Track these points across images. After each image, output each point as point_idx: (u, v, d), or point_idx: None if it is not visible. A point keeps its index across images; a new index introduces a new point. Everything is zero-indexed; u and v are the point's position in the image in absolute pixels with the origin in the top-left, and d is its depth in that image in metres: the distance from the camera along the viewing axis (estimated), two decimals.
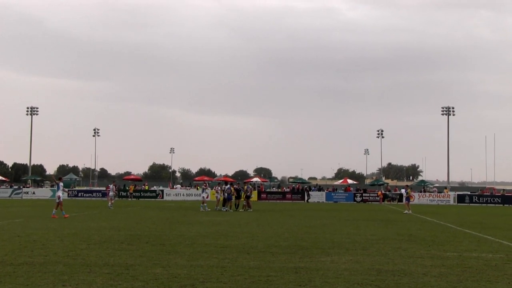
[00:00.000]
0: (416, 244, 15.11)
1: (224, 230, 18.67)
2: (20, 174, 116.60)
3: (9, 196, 57.52)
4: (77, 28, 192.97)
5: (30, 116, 77.06)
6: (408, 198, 35.67)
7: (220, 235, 16.79)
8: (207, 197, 33.24)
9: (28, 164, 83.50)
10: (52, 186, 62.98)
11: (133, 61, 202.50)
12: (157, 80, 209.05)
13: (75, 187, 68.20)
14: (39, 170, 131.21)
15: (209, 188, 37.22)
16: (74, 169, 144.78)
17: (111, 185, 38.36)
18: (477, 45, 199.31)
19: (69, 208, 35.25)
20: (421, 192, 60.49)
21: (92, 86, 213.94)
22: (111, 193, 36.71)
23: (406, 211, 33.50)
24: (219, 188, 34.60)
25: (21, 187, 64.97)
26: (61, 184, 25.40)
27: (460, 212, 36.57)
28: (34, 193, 59.88)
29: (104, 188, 60.92)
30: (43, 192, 60.82)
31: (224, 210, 32.48)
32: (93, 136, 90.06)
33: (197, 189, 58.06)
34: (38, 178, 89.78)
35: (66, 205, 39.42)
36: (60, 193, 24.89)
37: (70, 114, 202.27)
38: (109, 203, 35.67)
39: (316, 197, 57.03)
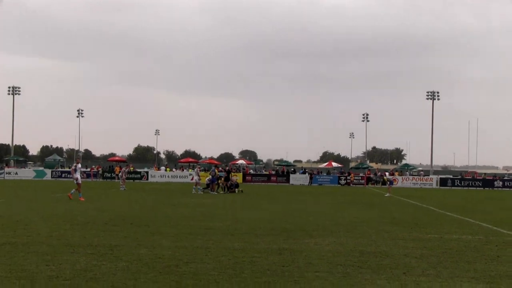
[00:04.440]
0: (399, 226, 15.29)
1: (208, 212, 18.73)
2: (2, 155, 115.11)
3: None
4: (60, 9, 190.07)
5: (12, 96, 76.06)
6: (391, 182, 36.61)
7: (205, 217, 16.84)
8: (199, 180, 33.47)
9: (11, 145, 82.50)
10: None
11: (117, 43, 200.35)
12: (141, 62, 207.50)
13: (59, 168, 67.56)
14: (21, 150, 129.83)
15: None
16: (58, 150, 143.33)
17: (124, 168, 40.42)
18: (461, 31, 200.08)
19: (53, 189, 35.07)
20: (392, 174, 61.11)
21: (75, 67, 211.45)
22: (122, 175, 38.32)
23: (387, 194, 34.14)
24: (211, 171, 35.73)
25: (3, 167, 64.31)
26: (79, 166, 25.48)
27: (442, 195, 37.07)
28: (16, 173, 59.37)
29: (88, 169, 60.50)
30: (26, 173, 60.38)
31: (211, 192, 32.78)
32: (77, 117, 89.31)
33: (182, 170, 58.01)
34: (21, 159, 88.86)
35: (51, 187, 39.27)
36: (78, 175, 24.93)
37: (54, 95, 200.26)
38: (121, 185, 36.56)
39: (301, 179, 57.38)
